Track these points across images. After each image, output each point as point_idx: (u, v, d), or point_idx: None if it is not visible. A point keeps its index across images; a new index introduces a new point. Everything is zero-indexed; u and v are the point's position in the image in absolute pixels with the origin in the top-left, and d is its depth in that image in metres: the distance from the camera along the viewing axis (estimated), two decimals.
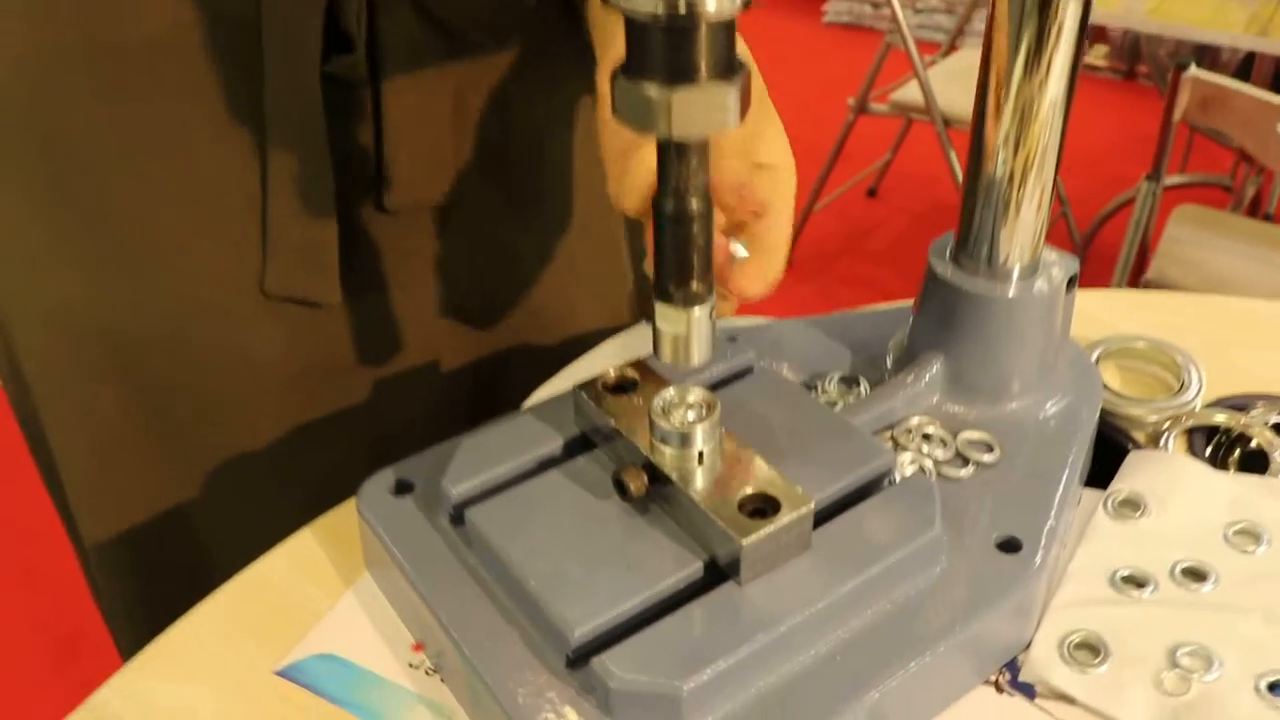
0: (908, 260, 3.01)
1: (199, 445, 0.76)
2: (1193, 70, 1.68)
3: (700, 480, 0.52)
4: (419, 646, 0.57)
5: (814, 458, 0.56)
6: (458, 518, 0.56)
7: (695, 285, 0.46)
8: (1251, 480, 0.66)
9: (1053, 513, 0.58)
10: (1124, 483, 0.65)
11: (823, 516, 0.53)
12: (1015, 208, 0.60)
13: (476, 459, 0.57)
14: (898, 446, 0.62)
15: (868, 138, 3.10)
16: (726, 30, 0.40)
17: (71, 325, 0.72)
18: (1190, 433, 0.71)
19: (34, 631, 1.86)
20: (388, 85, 0.67)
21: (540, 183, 0.80)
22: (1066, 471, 0.61)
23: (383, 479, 0.60)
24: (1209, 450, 0.70)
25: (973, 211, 0.62)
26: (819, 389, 0.66)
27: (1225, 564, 0.60)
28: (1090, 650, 0.56)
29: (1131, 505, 0.64)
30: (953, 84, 2.74)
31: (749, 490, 0.51)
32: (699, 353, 0.48)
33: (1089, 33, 0.57)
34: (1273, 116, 1.62)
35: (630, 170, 0.57)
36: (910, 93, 2.74)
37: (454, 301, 0.78)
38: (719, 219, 0.58)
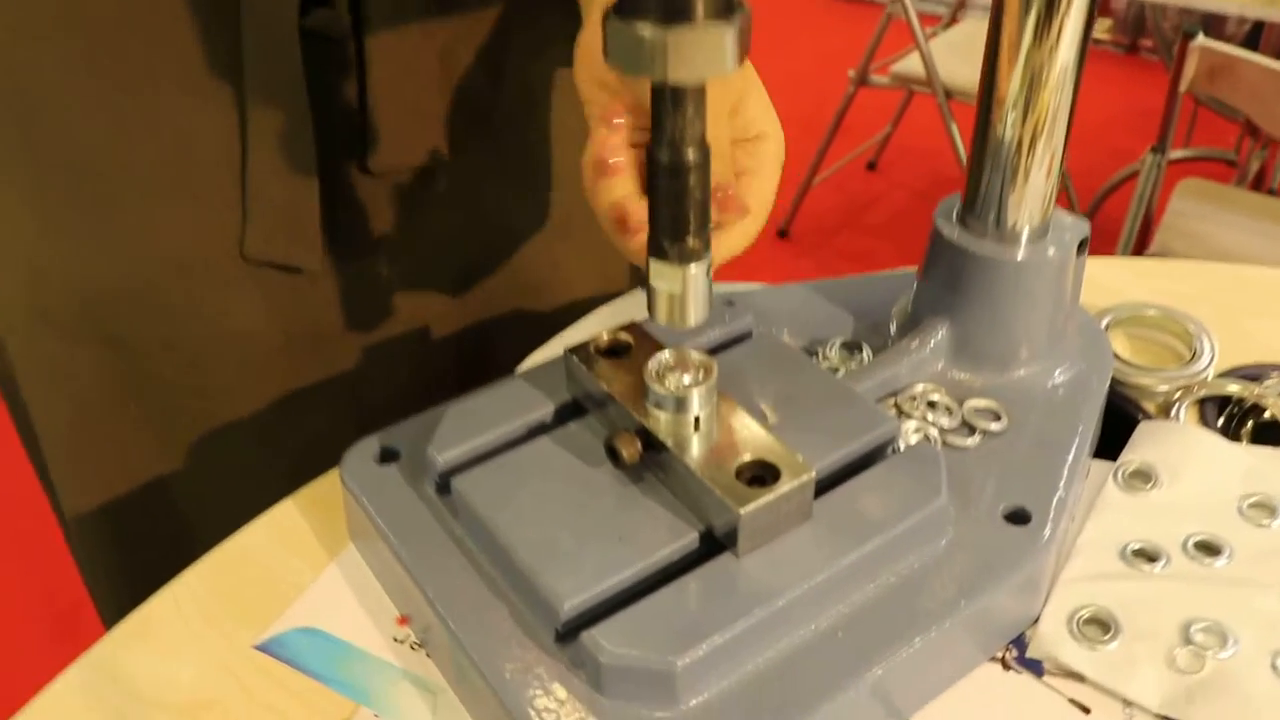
0: (907, 234, 2.99)
1: (180, 413, 0.75)
2: (1200, 39, 1.65)
3: (696, 447, 0.50)
4: (404, 620, 0.56)
5: (815, 425, 0.54)
6: (444, 486, 0.55)
7: (692, 241, 0.44)
8: (1265, 452, 0.64)
9: (1062, 483, 0.56)
10: (1135, 454, 0.63)
11: (824, 486, 0.52)
12: (1024, 173, 0.58)
13: (464, 425, 0.56)
14: (901, 414, 0.60)
15: (868, 110, 3.07)
16: None
17: (44, 283, 0.70)
18: (1202, 403, 0.69)
19: (32, 605, 1.85)
20: (371, 41, 0.65)
21: (531, 146, 0.78)
22: (1076, 441, 0.59)
23: (367, 446, 0.59)
24: (1221, 421, 0.68)
25: (980, 174, 0.60)
26: (820, 355, 0.64)
27: (1239, 538, 0.58)
28: (1100, 626, 0.54)
29: (1142, 477, 0.62)
30: (954, 55, 2.71)
31: (747, 457, 0.49)
32: (695, 312, 0.46)
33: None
34: None
35: (599, 189, 0.55)
36: (911, 64, 2.71)
37: (442, 267, 0.76)
38: None
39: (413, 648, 0.55)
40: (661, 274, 0.45)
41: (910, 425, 0.59)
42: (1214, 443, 0.64)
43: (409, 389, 0.77)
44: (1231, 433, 0.67)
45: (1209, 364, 0.71)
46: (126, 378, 0.73)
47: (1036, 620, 0.54)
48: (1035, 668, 0.53)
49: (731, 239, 0.55)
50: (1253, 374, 0.70)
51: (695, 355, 0.51)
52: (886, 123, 3.19)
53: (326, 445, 0.61)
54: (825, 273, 2.76)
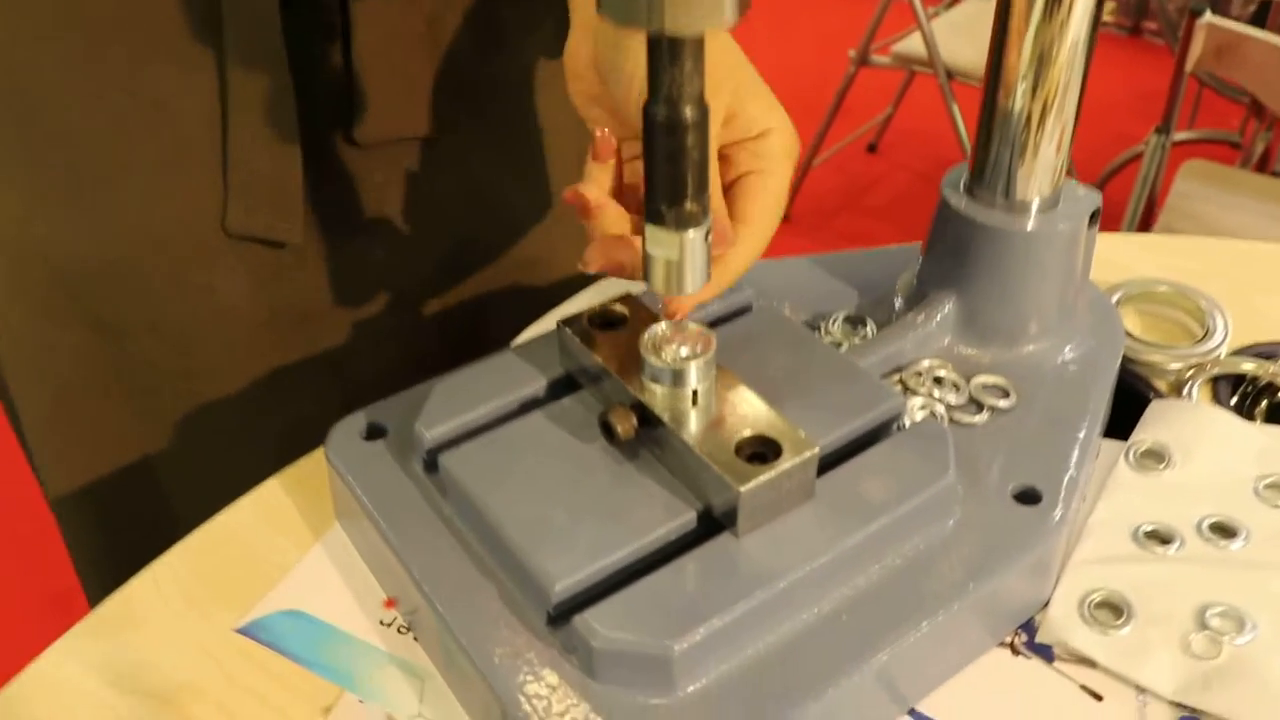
0: (908, 217, 2.97)
1: (164, 393, 0.73)
2: (1207, 16, 1.63)
3: (694, 422, 0.48)
4: (391, 603, 0.54)
5: (818, 400, 0.53)
6: (432, 464, 0.53)
7: (689, 205, 0.42)
8: None
9: (1073, 462, 0.55)
10: (1146, 433, 0.61)
11: (827, 463, 0.50)
12: (1034, 146, 0.57)
13: (453, 401, 0.54)
14: (907, 390, 0.58)
15: (868, 91, 3.04)
16: None
17: (24, 261, 0.69)
18: (1215, 381, 0.68)
19: (28, 588, 1.83)
20: (357, 6, 0.63)
21: (523, 120, 0.76)
22: (1088, 419, 0.57)
23: (353, 423, 0.57)
24: (1234, 400, 0.67)
25: (988, 144, 0.58)
26: (822, 329, 0.63)
27: (1255, 519, 0.57)
28: (1112, 610, 0.52)
29: (1155, 456, 0.60)
30: (957, 35, 2.69)
31: (747, 433, 0.48)
32: (693, 280, 0.44)
33: None
34: None
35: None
36: (913, 44, 2.69)
37: (432, 243, 0.75)
38: None
39: (400, 631, 0.53)
40: (658, 240, 0.43)
41: (916, 402, 0.57)
42: (1228, 422, 0.62)
43: (397, 368, 0.75)
44: (1245, 412, 0.66)
45: (1222, 341, 0.69)
46: (109, 357, 0.71)
47: (1046, 604, 0.53)
48: (1045, 653, 0.52)
49: (739, 252, 0.51)
50: (1267, 352, 0.68)
51: (693, 327, 0.49)
52: (887, 104, 3.17)
53: (313, 424, 0.59)
54: None
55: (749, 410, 0.49)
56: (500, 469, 0.50)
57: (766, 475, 0.46)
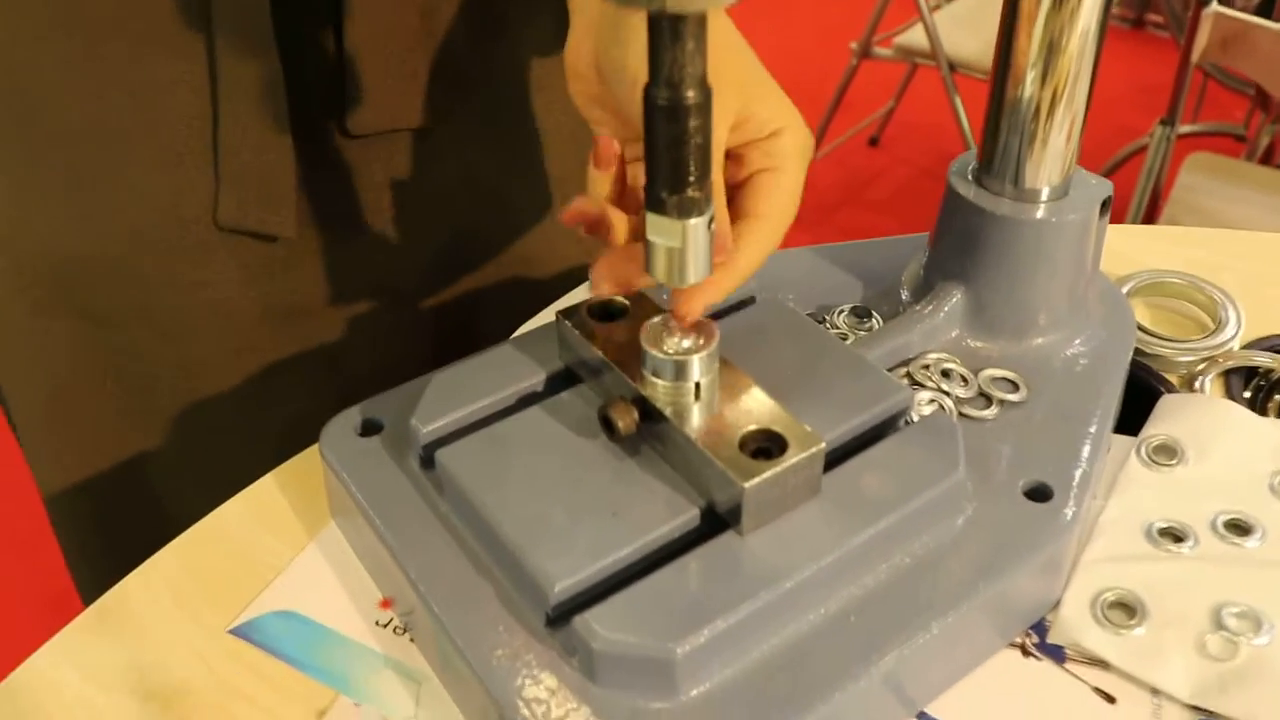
0: (910, 211, 2.95)
1: (158, 388, 0.72)
2: (1214, 5, 1.62)
3: (697, 416, 0.47)
4: (387, 603, 0.54)
5: (824, 394, 0.51)
6: (428, 460, 0.52)
7: (691, 192, 0.41)
8: None
9: (1085, 458, 0.53)
10: (1159, 428, 0.60)
11: (834, 459, 0.49)
12: (1044, 137, 0.56)
13: (450, 395, 0.53)
14: (914, 384, 0.57)
15: (870, 84, 3.03)
16: None
17: (16, 252, 0.68)
18: (1228, 375, 0.66)
19: (27, 588, 1.82)
20: None
21: (520, 111, 0.75)
22: (1099, 413, 0.56)
23: (348, 418, 0.56)
24: (1248, 394, 0.65)
25: (997, 133, 0.57)
26: (827, 322, 0.61)
27: (1272, 516, 0.56)
28: (1125, 610, 0.51)
29: (1168, 452, 0.59)
30: (959, 27, 2.67)
31: (751, 428, 0.47)
32: (695, 269, 0.43)
33: None
34: None
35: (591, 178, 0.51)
36: (915, 36, 2.68)
37: (427, 237, 0.74)
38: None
39: (396, 632, 0.52)
40: (659, 228, 0.42)
41: (924, 395, 0.56)
42: (1243, 416, 0.61)
43: (394, 363, 0.74)
44: (1259, 406, 0.64)
45: (1235, 334, 0.68)
46: (103, 351, 0.70)
47: (1058, 604, 0.52)
48: (1057, 654, 0.50)
49: (752, 248, 0.49)
50: None
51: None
52: (889, 97, 3.16)
53: (310, 420, 0.58)
54: None
55: (753, 404, 0.48)
56: (498, 465, 0.49)
57: (771, 471, 0.45)
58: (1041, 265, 0.58)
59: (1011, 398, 0.56)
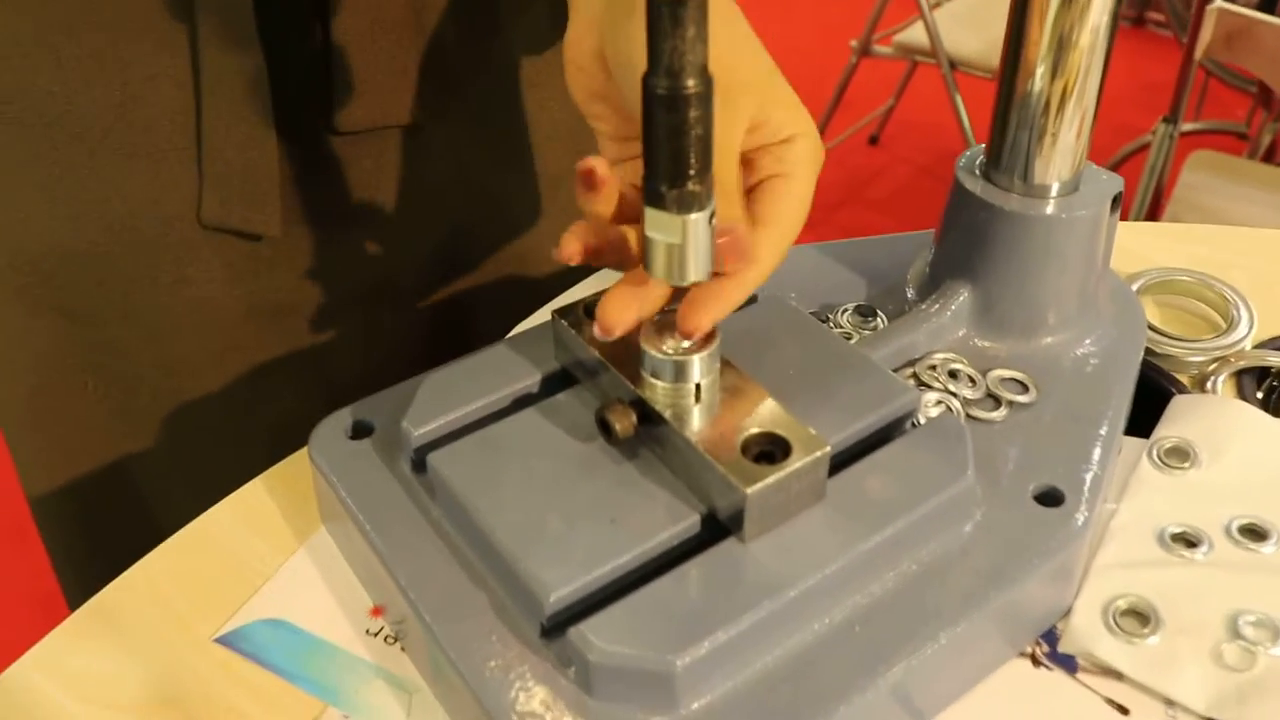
0: (911, 210, 2.94)
1: (141, 388, 0.71)
2: (1218, 1, 1.60)
3: (697, 419, 0.46)
4: (377, 611, 0.52)
5: (828, 395, 0.50)
6: (420, 463, 0.51)
7: (692, 185, 0.39)
8: None
9: (1096, 460, 0.52)
10: (1170, 430, 0.59)
11: (838, 462, 0.48)
12: (1053, 133, 0.55)
13: (442, 397, 0.52)
14: (921, 385, 0.55)
15: (870, 82, 3.03)
16: None
17: None
18: (1240, 375, 0.65)
19: (18, 590, 1.81)
20: None
21: (513, 108, 0.74)
22: (1110, 414, 0.55)
23: (338, 420, 0.55)
24: (1261, 395, 0.64)
25: (1005, 128, 0.56)
26: (831, 321, 0.60)
27: None
28: (1139, 618, 0.50)
29: (1180, 455, 0.57)
30: (960, 25, 2.66)
31: (754, 431, 0.45)
32: (696, 266, 0.42)
33: None
34: None
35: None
36: (915, 34, 2.67)
37: (418, 236, 0.73)
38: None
39: (387, 641, 0.51)
40: (658, 224, 0.40)
41: (931, 397, 0.54)
42: (1256, 418, 0.60)
43: (385, 365, 0.73)
44: (1272, 407, 0.63)
45: (1247, 333, 0.67)
46: (85, 350, 0.70)
47: (1069, 612, 0.50)
48: (1068, 664, 0.49)
49: (761, 255, 0.47)
50: None
51: None
52: (889, 95, 3.15)
53: (299, 423, 0.57)
54: None
55: (756, 406, 0.47)
56: (492, 469, 0.48)
57: (775, 476, 0.44)
58: (1051, 262, 0.56)
59: (1021, 399, 0.55)
